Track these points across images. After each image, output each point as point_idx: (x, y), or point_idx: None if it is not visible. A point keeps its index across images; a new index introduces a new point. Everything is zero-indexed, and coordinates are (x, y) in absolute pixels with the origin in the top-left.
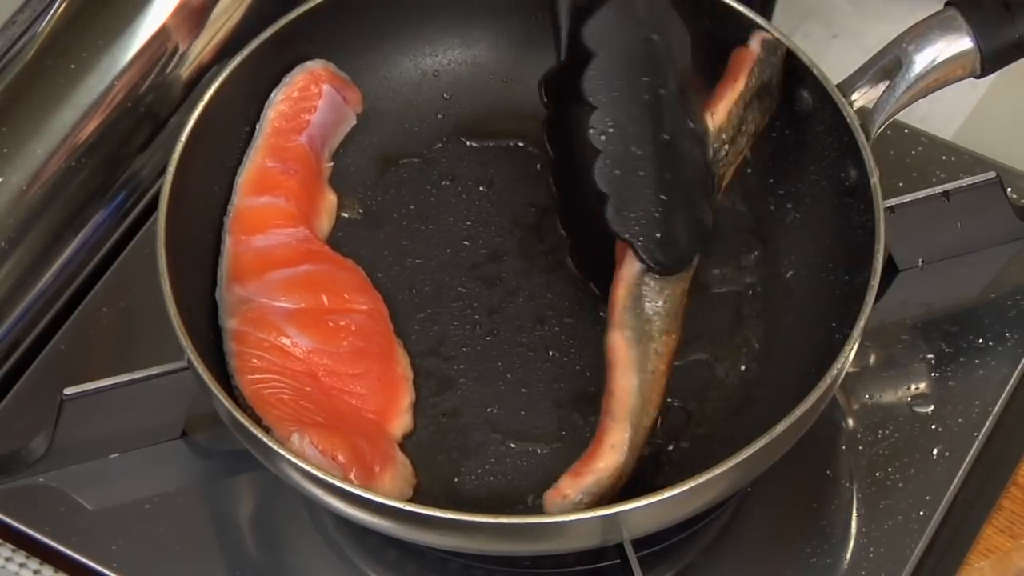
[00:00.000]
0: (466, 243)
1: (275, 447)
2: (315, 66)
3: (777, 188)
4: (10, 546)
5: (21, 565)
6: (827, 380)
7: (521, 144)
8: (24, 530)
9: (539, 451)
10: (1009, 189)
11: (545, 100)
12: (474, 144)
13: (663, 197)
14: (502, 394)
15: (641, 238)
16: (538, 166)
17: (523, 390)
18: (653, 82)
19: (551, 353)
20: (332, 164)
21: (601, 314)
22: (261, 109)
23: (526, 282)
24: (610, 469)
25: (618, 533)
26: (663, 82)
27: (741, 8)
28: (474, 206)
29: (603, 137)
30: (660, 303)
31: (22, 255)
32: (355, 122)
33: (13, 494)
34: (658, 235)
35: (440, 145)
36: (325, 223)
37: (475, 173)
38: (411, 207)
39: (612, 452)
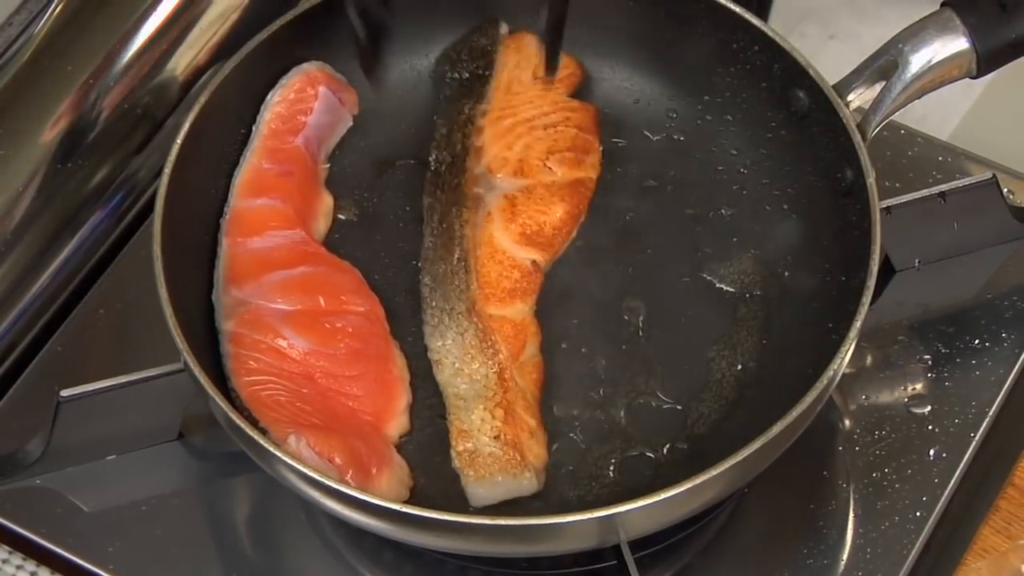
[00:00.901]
0: None
1: (272, 449)
2: (311, 68)
3: (773, 189)
4: (7, 548)
5: (18, 567)
6: (824, 381)
7: None
8: (21, 532)
9: None
10: (1006, 190)
11: None
12: None
13: None
14: None
15: None
16: None
17: None
18: None
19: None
20: (328, 166)
21: (598, 317)
22: (257, 111)
23: None
24: None
25: (615, 534)
26: None
27: (737, 9)
28: None
29: None
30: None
31: (19, 257)
32: (351, 124)
33: (10, 496)
34: None
35: None
36: (322, 225)
37: None
38: (407, 208)
39: None
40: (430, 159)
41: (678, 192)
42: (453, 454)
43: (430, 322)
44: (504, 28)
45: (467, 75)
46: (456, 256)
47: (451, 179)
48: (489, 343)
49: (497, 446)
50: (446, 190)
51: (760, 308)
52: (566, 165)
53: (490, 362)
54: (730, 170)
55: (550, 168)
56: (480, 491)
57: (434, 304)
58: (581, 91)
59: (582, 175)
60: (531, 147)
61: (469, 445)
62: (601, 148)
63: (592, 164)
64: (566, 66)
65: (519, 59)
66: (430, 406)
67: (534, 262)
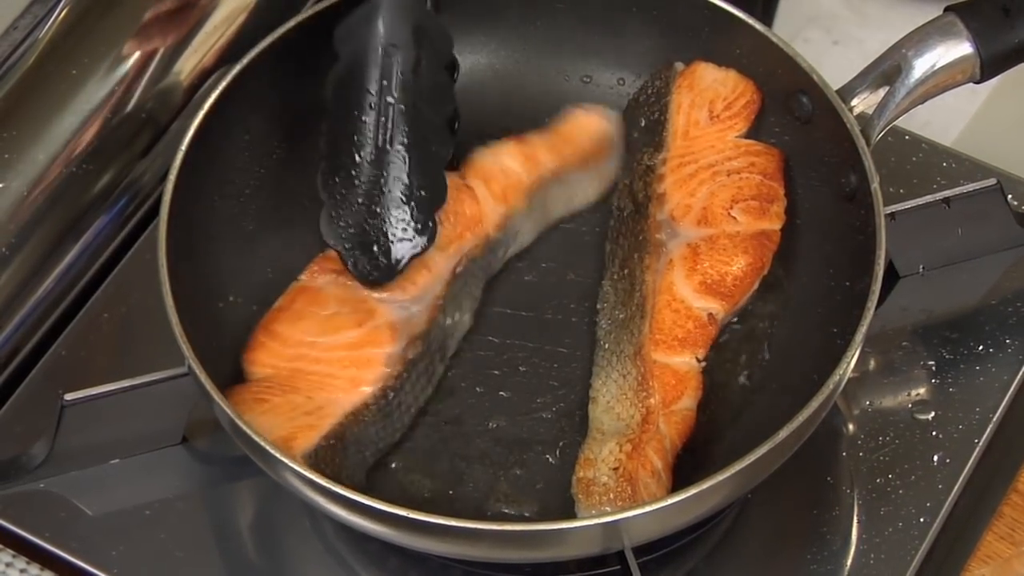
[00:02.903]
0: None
1: (276, 454)
2: None
3: None
4: (11, 551)
5: (22, 571)
6: (829, 386)
7: None
8: (25, 535)
9: (540, 459)
10: (1010, 195)
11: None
12: (475, 151)
13: (376, 209)
14: (503, 402)
15: (349, 248)
16: None
17: (524, 398)
18: (380, 93)
19: (553, 363)
20: None
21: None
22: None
23: (528, 289)
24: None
25: (619, 540)
26: (392, 94)
27: (742, 15)
28: None
29: (324, 143)
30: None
31: (23, 261)
32: None
33: (14, 500)
34: (373, 248)
35: None
36: None
37: None
38: None
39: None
40: (612, 207)
41: None
42: (574, 480)
43: (599, 363)
44: (678, 66)
45: (644, 123)
46: (635, 301)
47: (633, 226)
48: (645, 388)
49: (613, 478)
50: (628, 236)
51: (764, 314)
52: (750, 215)
53: (640, 405)
54: None
55: (734, 218)
56: None
57: (607, 347)
58: (586, 97)
59: (766, 226)
60: (715, 194)
61: (589, 474)
62: (785, 196)
63: (776, 214)
64: (742, 94)
65: (693, 97)
66: (435, 412)
67: (711, 315)
